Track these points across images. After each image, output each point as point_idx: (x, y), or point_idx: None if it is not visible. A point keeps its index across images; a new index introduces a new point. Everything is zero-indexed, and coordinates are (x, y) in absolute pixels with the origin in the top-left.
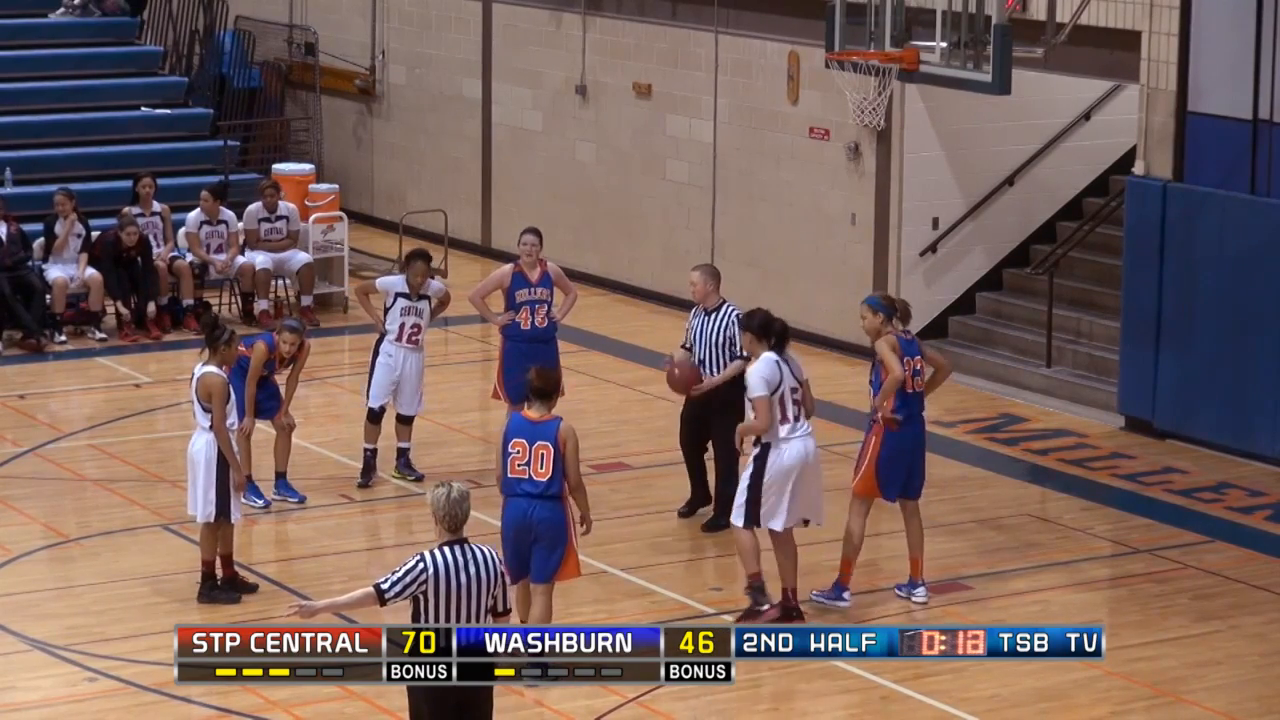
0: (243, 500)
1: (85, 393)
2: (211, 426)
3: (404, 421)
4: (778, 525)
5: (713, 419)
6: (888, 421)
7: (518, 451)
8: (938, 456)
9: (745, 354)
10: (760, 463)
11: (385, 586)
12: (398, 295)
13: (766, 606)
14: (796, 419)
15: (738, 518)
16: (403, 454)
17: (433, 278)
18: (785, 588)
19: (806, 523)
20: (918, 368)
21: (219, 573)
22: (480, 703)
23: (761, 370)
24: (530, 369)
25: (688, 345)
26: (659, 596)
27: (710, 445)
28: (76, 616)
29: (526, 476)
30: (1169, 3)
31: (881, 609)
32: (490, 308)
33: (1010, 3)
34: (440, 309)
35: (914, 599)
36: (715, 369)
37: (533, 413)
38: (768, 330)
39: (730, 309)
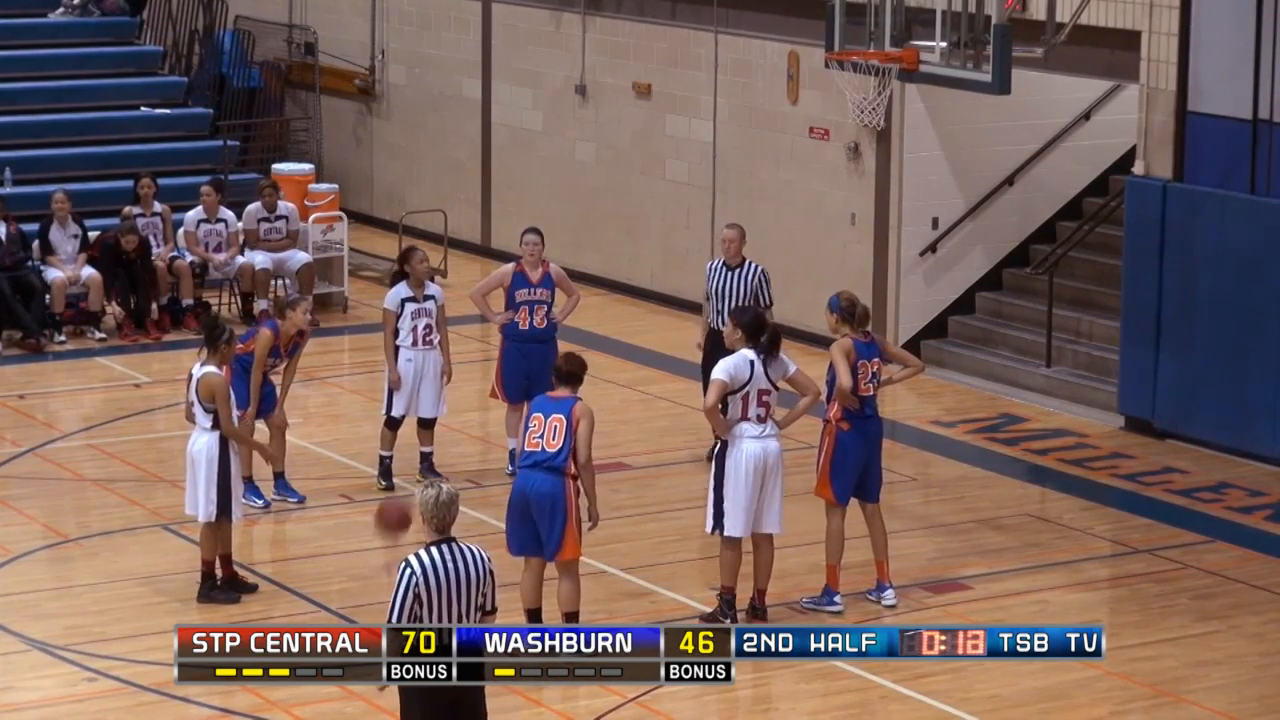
0: (243, 500)
1: (85, 393)
2: (213, 426)
3: (426, 426)
4: (737, 531)
5: None
6: (837, 423)
7: (534, 425)
8: (938, 456)
9: (769, 303)
10: (720, 463)
11: (393, 619)
12: (404, 301)
13: (728, 622)
14: (761, 420)
15: (708, 522)
16: (426, 458)
17: (432, 278)
18: (755, 589)
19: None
20: (874, 371)
21: (218, 573)
22: (472, 702)
23: (728, 364)
24: (561, 356)
25: (707, 296)
26: (659, 596)
27: None
28: (76, 616)
29: (539, 448)
30: (1169, 3)
31: (879, 609)
32: (490, 306)
33: (1010, 3)
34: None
35: (882, 602)
36: None
37: (556, 392)
38: (757, 329)
39: (754, 265)
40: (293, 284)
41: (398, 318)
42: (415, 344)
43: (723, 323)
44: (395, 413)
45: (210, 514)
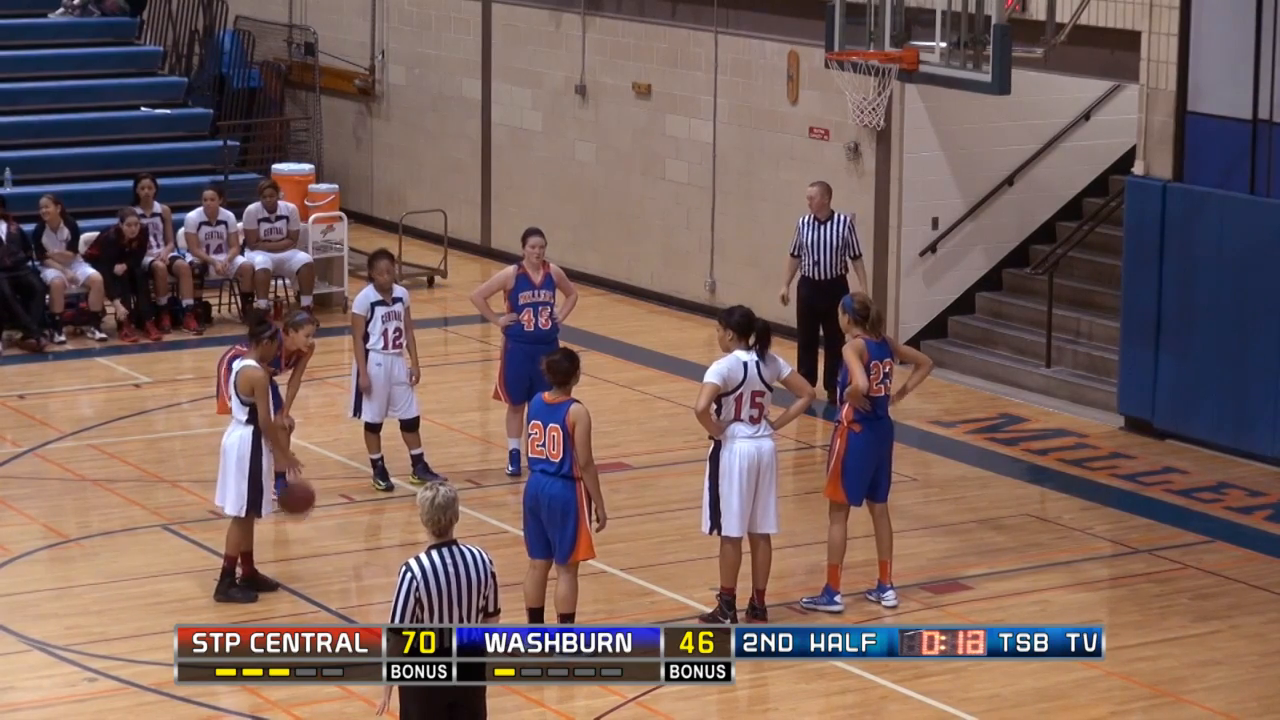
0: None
1: (85, 393)
2: (248, 420)
3: (410, 428)
4: (733, 531)
5: (826, 316)
6: (849, 424)
7: (535, 433)
8: (937, 456)
9: (858, 254)
10: (714, 463)
11: (395, 622)
12: (374, 305)
13: (728, 622)
14: (755, 421)
15: (704, 522)
16: (418, 460)
17: (398, 282)
18: (754, 589)
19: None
20: (886, 371)
21: (238, 570)
22: (470, 702)
23: (720, 367)
24: (541, 360)
25: (796, 254)
26: (659, 596)
27: (823, 334)
28: (76, 616)
29: (544, 457)
30: (1169, 3)
31: (879, 609)
32: (491, 308)
33: (1010, 3)
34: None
35: (883, 603)
36: (832, 270)
37: (550, 395)
38: (746, 328)
39: (842, 215)
40: (293, 284)
41: (367, 322)
42: (386, 347)
43: (819, 273)
44: (368, 418)
45: (240, 509)
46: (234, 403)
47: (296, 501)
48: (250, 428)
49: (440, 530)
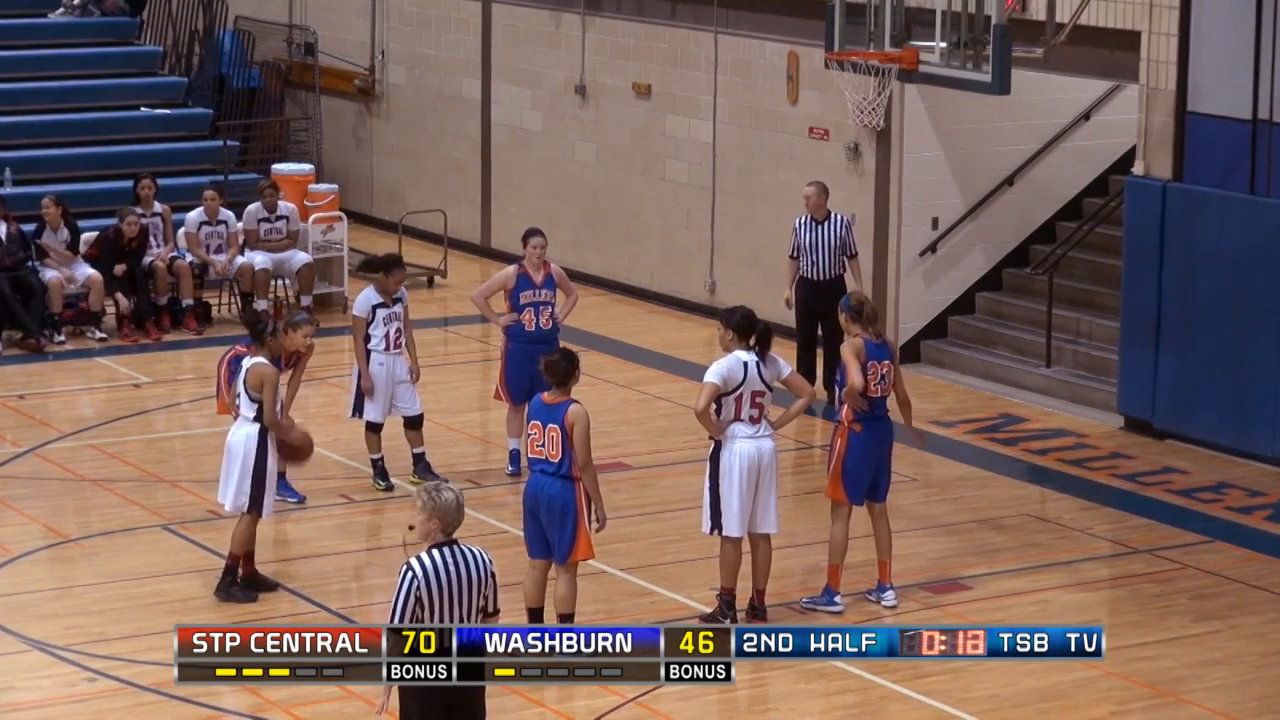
0: (275, 497)
1: (85, 393)
2: (256, 418)
3: (413, 426)
4: (734, 531)
5: (824, 316)
6: (849, 424)
7: (535, 433)
8: (937, 457)
9: (854, 253)
10: (714, 463)
11: (395, 621)
12: (375, 307)
13: (728, 622)
14: (755, 421)
15: (704, 523)
16: (420, 459)
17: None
18: (754, 589)
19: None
20: (884, 372)
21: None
22: (469, 702)
23: (720, 367)
24: (540, 359)
25: (794, 255)
26: (659, 596)
27: (821, 334)
28: (76, 616)
29: (543, 457)
30: (1169, 3)
31: (879, 609)
32: (492, 308)
33: (1010, 3)
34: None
35: (883, 603)
36: (829, 270)
37: (549, 396)
38: (747, 329)
39: (839, 216)
40: (293, 284)
41: (368, 324)
42: (388, 348)
43: (817, 274)
44: (371, 418)
45: (241, 506)
46: (243, 400)
47: (295, 449)
48: (258, 425)
49: (452, 530)
